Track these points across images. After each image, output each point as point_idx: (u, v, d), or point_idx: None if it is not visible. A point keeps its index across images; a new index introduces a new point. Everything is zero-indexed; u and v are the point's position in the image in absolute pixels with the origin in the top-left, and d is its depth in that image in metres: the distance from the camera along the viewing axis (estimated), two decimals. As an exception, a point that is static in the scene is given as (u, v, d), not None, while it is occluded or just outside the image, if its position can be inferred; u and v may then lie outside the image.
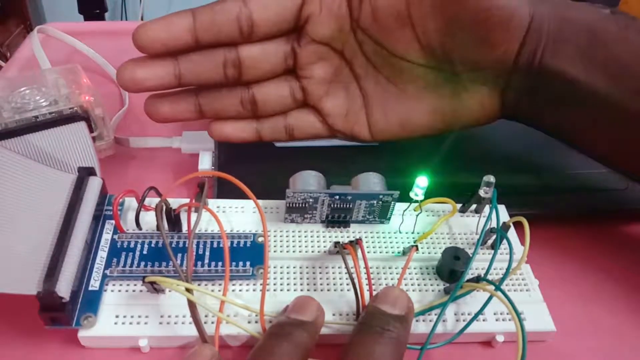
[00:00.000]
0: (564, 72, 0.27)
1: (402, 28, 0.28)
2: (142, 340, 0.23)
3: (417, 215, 0.28)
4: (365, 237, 0.28)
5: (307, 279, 0.26)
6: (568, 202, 0.33)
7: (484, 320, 0.25)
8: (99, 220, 0.26)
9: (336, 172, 0.27)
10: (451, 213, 0.29)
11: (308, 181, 0.27)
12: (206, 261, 0.25)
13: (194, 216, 0.25)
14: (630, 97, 0.26)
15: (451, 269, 0.26)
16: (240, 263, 0.26)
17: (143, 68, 0.27)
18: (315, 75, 0.30)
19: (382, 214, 0.28)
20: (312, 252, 0.27)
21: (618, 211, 0.33)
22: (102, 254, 0.25)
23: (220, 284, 0.25)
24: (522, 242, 0.27)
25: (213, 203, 0.29)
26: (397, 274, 0.27)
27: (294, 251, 0.27)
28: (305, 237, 0.28)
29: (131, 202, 0.27)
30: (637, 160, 0.28)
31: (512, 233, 0.29)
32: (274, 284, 0.25)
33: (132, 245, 0.26)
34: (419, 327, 0.24)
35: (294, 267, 0.26)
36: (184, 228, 0.27)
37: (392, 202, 0.27)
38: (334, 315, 0.25)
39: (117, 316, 0.23)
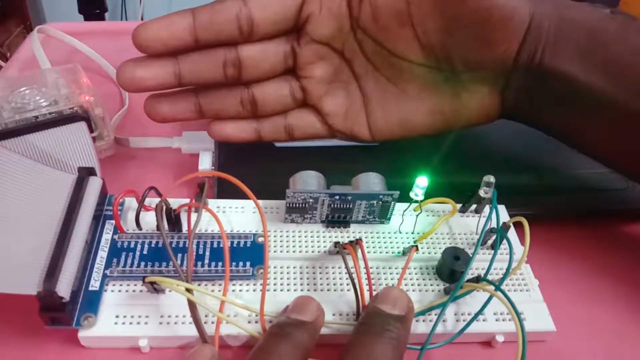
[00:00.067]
0: (564, 72, 0.27)
1: (402, 27, 0.28)
2: (142, 340, 0.23)
3: (417, 216, 0.28)
4: (365, 237, 0.28)
5: (307, 279, 0.26)
6: (568, 202, 0.33)
7: (484, 320, 0.25)
8: (99, 220, 0.26)
9: (336, 172, 0.27)
10: (451, 213, 0.29)
11: (308, 181, 0.27)
12: (206, 261, 0.25)
13: (194, 216, 0.25)
14: (630, 97, 0.26)
15: (451, 269, 0.26)
16: (241, 263, 0.26)
17: (143, 68, 0.27)
18: (315, 75, 0.30)
19: (382, 214, 0.28)
20: (312, 252, 0.27)
21: (618, 211, 0.33)
22: (102, 254, 0.25)
23: (220, 284, 0.25)
24: (522, 242, 0.27)
25: (213, 203, 0.29)
26: (397, 274, 0.27)
27: (294, 251, 0.27)
28: (305, 237, 0.28)
29: (131, 202, 0.27)
30: (637, 160, 0.28)
31: (512, 233, 0.29)
32: (274, 284, 0.25)
33: (132, 245, 0.26)
34: (419, 327, 0.24)
35: (294, 267, 0.26)
36: (184, 228, 0.27)
37: (392, 202, 0.27)
38: (334, 315, 0.25)
39: (117, 316, 0.23)
